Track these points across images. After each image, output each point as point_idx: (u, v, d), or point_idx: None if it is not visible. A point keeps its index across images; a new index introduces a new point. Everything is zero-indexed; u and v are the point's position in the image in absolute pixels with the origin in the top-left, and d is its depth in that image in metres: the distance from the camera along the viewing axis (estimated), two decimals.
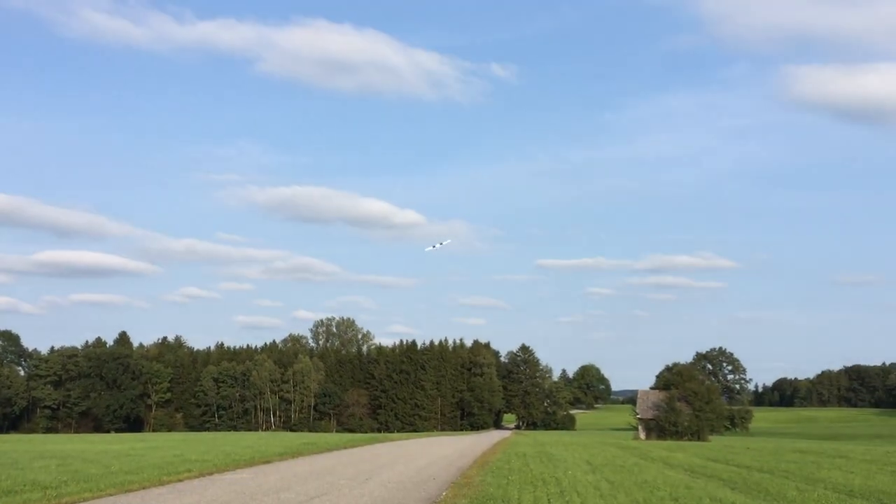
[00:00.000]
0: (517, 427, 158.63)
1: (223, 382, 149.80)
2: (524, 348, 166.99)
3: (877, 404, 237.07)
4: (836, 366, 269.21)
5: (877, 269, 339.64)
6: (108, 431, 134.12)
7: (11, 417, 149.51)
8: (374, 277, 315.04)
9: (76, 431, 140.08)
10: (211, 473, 25.62)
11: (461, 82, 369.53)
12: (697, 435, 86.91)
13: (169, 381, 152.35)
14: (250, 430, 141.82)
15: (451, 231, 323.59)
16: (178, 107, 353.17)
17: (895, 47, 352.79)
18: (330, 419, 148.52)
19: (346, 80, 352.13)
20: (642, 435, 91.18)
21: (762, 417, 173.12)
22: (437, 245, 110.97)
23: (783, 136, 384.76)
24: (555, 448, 46.25)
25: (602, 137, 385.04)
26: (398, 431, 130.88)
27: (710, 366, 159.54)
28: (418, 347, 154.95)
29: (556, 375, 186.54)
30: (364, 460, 33.62)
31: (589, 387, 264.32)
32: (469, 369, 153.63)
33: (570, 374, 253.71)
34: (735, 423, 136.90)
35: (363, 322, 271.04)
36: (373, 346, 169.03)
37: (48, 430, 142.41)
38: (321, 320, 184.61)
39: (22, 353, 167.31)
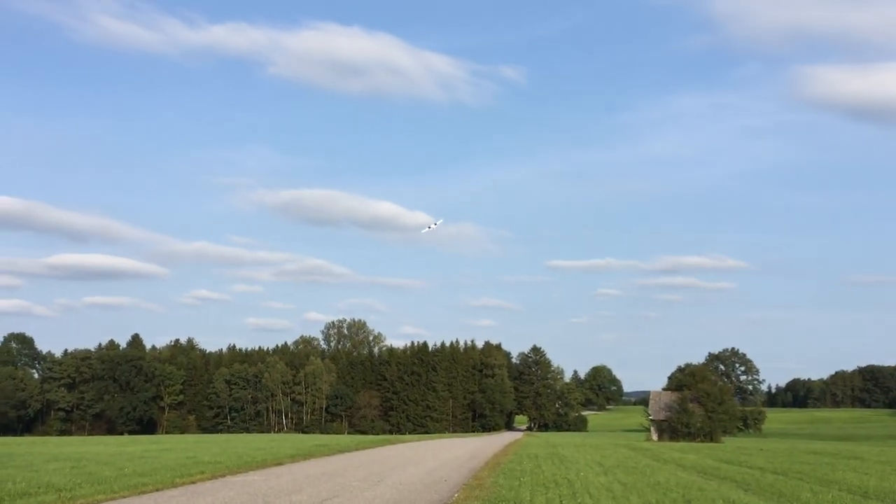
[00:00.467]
0: (529, 428, 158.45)
1: (235, 384, 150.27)
2: (535, 349, 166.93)
3: (891, 405, 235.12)
4: (849, 366, 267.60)
5: (890, 268, 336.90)
6: (121, 433, 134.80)
7: (26, 420, 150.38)
8: (385, 279, 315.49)
9: (90, 434, 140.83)
10: (223, 475, 25.71)
11: (471, 84, 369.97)
12: (710, 436, 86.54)
13: (181, 384, 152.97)
14: (262, 431, 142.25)
15: (461, 232, 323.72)
16: (190, 110, 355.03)
17: None
18: (341, 421, 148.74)
19: (355, 82, 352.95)
20: (654, 436, 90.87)
21: (775, 418, 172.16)
22: (432, 226, 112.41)
23: (795, 136, 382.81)
24: (566, 449, 46.16)
25: (613, 138, 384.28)
26: (410, 433, 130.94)
27: (722, 367, 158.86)
28: (429, 349, 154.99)
29: (567, 377, 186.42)
30: (375, 462, 33.65)
31: (600, 388, 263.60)
32: (480, 371, 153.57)
33: (582, 376, 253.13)
34: (748, 424, 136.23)
35: (374, 324, 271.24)
36: (384, 348, 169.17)
37: (62, 433, 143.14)
38: (332, 322, 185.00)
39: (36, 356, 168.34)
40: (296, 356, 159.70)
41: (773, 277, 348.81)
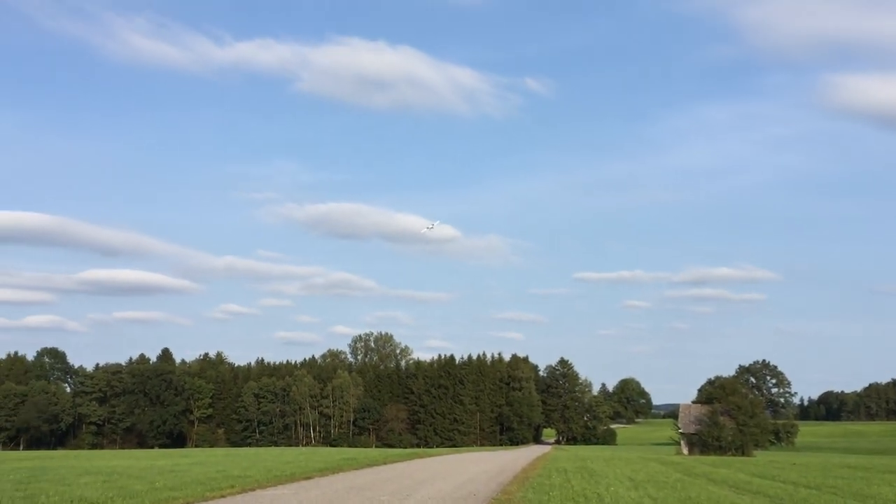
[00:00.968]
0: (557, 442, 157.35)
1: (263, 398, 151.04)
2: (563, 362, 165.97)
3: None
4: (884, 378, 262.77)
5: None
6: (151, 447, 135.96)
7: (58, 434, 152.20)
8: (411, 292, 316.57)
9: (121, 447, 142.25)
10: (253, 489, 25.82)
11: (495, 97, 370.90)
12: (742, 450, 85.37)
13: (210, 397, 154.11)
14: (290, 445, 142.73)
15: (486, 245, 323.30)
16: (218, 127, 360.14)
17: None
18: (369, 434, 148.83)
19: (381, 96, 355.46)
20: (685, 450, 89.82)
21: (808, 432, 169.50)
22: (430, 226, 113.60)
23: (823, 145, 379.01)
24: (596, 463, 45.77)
25: (639, 149, 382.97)
26: (437, 446, 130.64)
27: (753, 379, 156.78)
28: (456, 362, 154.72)
29: (595, 389, 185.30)
30: (404, 476, 33.61)
31: (629, 401, 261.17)
32: (508, 384, 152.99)
33: (610, 388, 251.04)
34: (780, 437, 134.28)
35: (401, 337, 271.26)
36: (411, 361, 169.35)
37: (94, 447, 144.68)
38: (359, 335, 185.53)
39: (68, 370, 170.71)
40: (323, 370, 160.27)
41: (804, 288, 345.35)
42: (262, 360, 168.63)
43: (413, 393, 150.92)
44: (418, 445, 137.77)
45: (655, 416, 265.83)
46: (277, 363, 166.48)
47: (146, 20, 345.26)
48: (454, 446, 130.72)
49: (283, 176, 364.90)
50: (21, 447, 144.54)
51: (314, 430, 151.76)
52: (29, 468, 39.76)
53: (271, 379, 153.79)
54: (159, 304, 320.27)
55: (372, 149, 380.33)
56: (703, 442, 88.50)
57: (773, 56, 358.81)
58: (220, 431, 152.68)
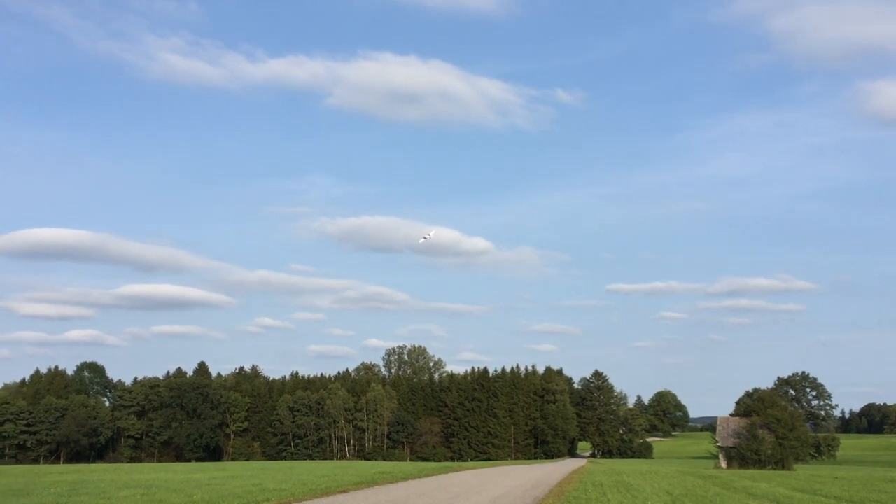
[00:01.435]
0: (592, 455, 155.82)
1: (298, 411, 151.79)
2: (597, 374, 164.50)
3: None
4: None
5: None
6: (188, 460, 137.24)
7: (97, 447, 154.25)
8: (444, 305, 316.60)
9: (159, 460, 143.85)
10: (289, 503, 25.96)
11: (526, 109, 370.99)
12: (781, 463, 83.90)
13: (246, 411, 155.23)
14: (325, 458, 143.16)
15: (519, 257, 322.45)
16: (252, 143, 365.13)
17: None
18: (403, 447, 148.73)
19: (412, 110, 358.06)
20: (723, 464, 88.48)
21: (850, 445, 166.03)
22: (426, 237, 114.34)
23: (860, 152, 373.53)
24: (632, 477, 45.28)
25: (673, 159, 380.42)
26: (472, 460, 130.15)
27: (792, 391, 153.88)
28: (490, 375, 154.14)
29: (631, 402, 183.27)
30: (439, 490, 33.54)
31: (665, 414, 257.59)
32: (542, 396, 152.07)
33: (646, 401, 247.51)
34: (821, 450, 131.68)
35: (434, 350, 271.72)
36: (444, 374, 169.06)
37: (132, 460, 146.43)
38: (393, 348, 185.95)
39: (107, 384, 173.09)
40: (357, 383, 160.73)
41: (843, 298, 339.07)
42: (297, 373, 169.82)
43: (447, 406, 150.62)
44: (452, 459, 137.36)
45: (692, 430, 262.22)
46: (311, 377, 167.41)
47: (182, 40, 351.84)
48: (488, 459, 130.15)
49: (316, 190, 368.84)
50: (61, 461, 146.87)
51: (349, 444, 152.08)
52: (69, 482, 40.38)
53: (306, 392, 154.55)
54: (195, 319, 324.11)
55: (404, 162, 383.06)
56: (742, 455, 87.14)
57: (808, 64, 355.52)
58: (256, 445, 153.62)
